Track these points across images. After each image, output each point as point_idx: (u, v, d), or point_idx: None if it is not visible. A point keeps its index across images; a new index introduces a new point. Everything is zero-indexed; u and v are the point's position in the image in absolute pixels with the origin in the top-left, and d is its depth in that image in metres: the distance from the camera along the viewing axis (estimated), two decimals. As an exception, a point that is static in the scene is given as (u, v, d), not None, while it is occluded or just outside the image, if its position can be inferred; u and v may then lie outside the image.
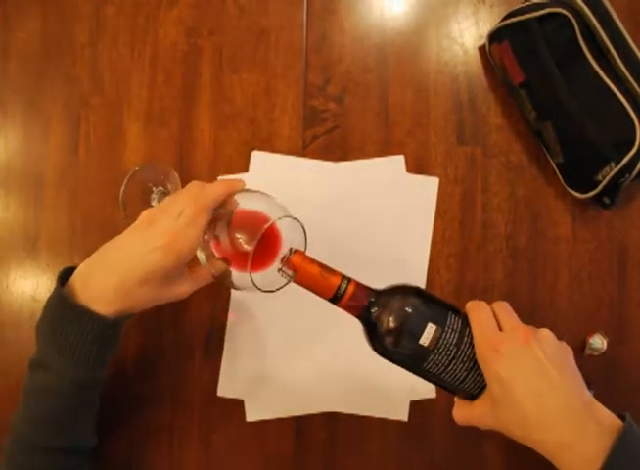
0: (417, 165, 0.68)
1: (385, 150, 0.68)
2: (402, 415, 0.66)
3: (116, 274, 0.50)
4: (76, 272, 0.52)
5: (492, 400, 0.47)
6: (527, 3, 0.63)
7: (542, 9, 0.61)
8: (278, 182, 0.67)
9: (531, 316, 0.66)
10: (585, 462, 0.43)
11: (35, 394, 0.52)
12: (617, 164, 0.59)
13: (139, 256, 0.49)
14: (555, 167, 0.67)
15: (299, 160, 0.68)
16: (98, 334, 0.50)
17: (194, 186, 0.52)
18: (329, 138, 0.68)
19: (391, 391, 0.66)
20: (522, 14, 0.62)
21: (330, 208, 0.68)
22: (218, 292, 0.67)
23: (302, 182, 0.68)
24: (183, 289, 0.53)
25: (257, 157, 0.68)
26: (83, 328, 0.49)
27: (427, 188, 0.68)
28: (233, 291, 0.66)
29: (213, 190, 0.51)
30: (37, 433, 0.52)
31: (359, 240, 0.67)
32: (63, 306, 0.50)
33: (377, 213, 0.68)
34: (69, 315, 0.49)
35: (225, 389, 0.66)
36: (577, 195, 0.65)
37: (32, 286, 0.68)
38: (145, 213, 0.51)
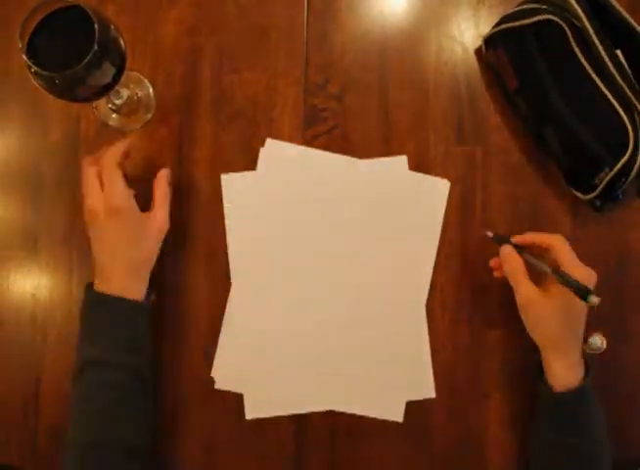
0: (416, 165, 0.68)
1: (384, 149, 0.69)
2: (398, 416, 0.66)
3: (108, 253, 0.59)
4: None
5: None
6: (519, 7, 0.63)
7: (535, 15, 0.60)
8: (287, 175, 0.68)
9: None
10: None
11: (93, 390, 0.57)
12: (611, 168, 0.59)
13: (109, 233, 0.58)
14: (556, 166, 0.67)
15: (313, 151, 0.68)
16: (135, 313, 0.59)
17: (86, 161, 0.59)
18: (329, 137, 0.68)
19: (389, 391, 0.66)
20: (515, 20, 0.62)
21: (334, 206, 0.68)
22: (218, 285, 0.67)
23: (311, 177, 0.68)
24: (158, 222, 0.60)
25: (270, 145, 0.68)
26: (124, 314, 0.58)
27: (436, 190, 0.68)
28: (234, 283, 0.67)
29: (109, 153, 0.58)
30: (101, 431, 0.57)
31: (363, 239, 0.68)
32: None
33: (383, 211, 0.68)
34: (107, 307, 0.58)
35: (222, 381, 0.66)
36: (579, 195, 0.65)
37: (32, 285, 0.68)
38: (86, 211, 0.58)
